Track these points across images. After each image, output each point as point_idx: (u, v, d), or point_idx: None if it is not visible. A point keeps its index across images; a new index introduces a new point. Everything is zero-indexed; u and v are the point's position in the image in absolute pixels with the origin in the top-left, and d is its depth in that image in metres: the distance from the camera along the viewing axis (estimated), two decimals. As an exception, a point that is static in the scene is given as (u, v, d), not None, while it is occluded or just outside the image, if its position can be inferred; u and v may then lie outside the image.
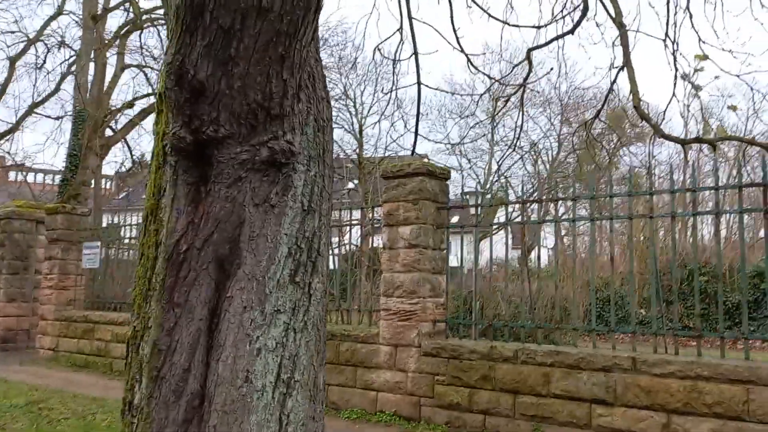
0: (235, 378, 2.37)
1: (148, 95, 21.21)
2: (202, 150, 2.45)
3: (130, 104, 21.33)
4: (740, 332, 5.64)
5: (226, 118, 2.38)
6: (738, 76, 6.61)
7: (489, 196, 18.46)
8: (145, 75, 21.37)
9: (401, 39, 8.37)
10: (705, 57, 6.86)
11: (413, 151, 6.67)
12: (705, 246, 16.50)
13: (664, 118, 6.82)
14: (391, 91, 10.19)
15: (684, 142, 6.92)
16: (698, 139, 7.03)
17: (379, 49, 6.10)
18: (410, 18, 5.51)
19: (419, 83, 5.71)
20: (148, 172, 2.78)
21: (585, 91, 26.12)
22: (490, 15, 6.45)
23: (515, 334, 7.07)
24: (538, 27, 6.49)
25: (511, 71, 7.17)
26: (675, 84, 6.63)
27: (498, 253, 18.03)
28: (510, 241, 6.96)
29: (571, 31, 6.97)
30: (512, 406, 6.13)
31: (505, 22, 6.46)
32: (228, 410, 2.34)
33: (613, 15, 6.40)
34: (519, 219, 7.20)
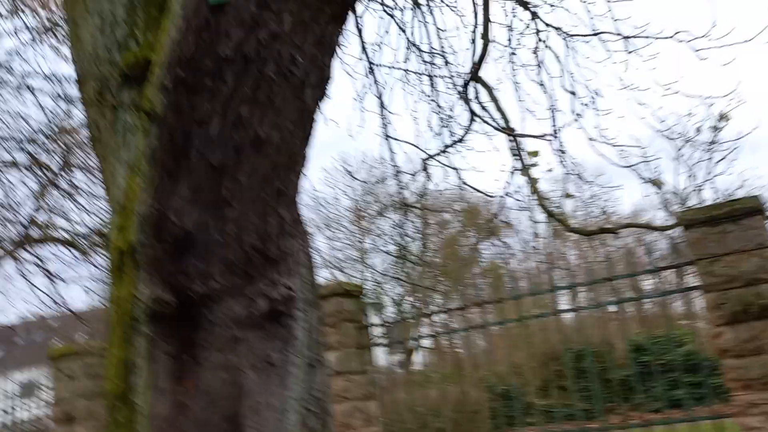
0: None
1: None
2: (186, 311, 2.03)
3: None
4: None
5: (219, 269, 2.00)
6: (624, 167, 7.20)
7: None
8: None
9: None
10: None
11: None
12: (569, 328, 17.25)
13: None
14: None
15: (589, 234, 7.29)
16: (601, 230, 7.44)
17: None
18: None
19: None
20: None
21: (441, 193, 27.44)
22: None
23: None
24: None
25: (412, 178, 7.23)
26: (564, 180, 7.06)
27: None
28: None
29: (461, 140, 7.21)
30: None
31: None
32: None
33: (501, 123, 6.73)
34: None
